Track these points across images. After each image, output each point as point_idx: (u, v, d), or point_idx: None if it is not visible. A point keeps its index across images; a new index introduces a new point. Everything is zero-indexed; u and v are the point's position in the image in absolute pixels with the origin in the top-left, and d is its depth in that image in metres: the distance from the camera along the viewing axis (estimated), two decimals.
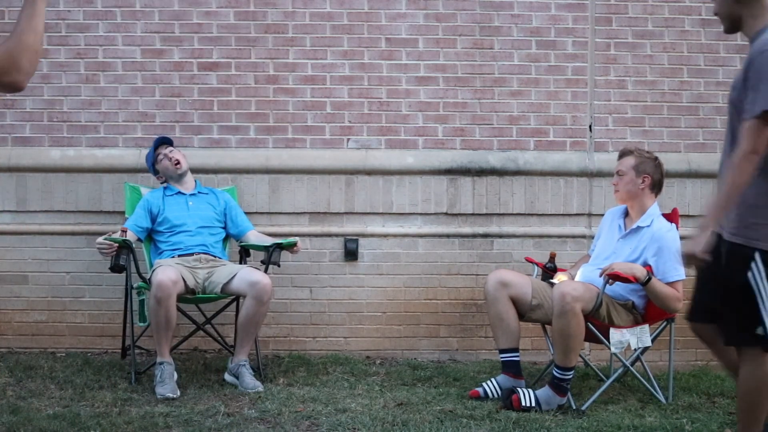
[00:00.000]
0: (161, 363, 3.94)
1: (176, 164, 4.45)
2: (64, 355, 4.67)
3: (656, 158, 4.05)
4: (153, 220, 4.38)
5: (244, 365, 4.06)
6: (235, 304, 4.33)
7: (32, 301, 4.76)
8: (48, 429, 3.27)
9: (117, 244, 4.02)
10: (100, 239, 4.04)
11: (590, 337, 3.87)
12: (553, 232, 4.88)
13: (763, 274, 2.69)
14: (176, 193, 4.47)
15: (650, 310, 4.00)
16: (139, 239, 4.35)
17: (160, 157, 4.48)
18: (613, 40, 4.91)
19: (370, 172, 4.84)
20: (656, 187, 4.04)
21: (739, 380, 2.84)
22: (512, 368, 3.95)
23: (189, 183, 4.51)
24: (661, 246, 3.88)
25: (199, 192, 4.52)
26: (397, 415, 3.55)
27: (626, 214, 4.12)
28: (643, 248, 3.93)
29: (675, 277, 3.84)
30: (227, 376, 4.14)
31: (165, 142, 4.56)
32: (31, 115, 4.80)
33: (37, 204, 4.75)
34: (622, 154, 4.08)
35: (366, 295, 4.84)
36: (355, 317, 4.84)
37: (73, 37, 4.78)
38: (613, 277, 3.77)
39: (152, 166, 4.52)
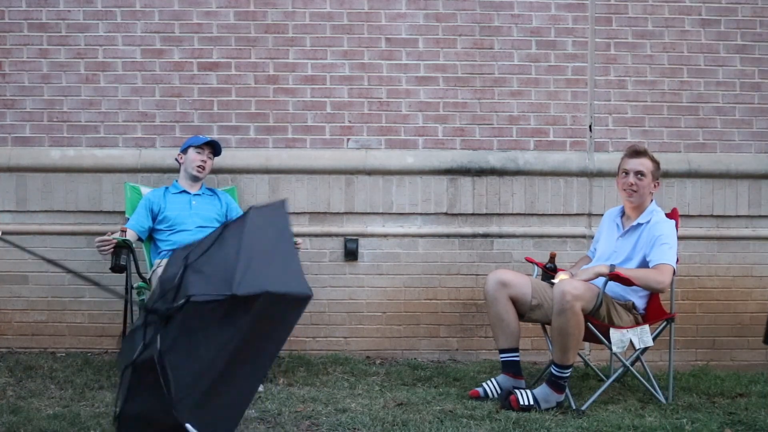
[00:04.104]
0: None
1: (199, 166, 4.44)
2: (64, 355, 4.67)
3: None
4: (154, 218, 4.39)
5: None
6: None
7: (32, 301, 4.77)
8: (48, 429, 3.27)
9: (114, 241, 4.02)
10: (98, 238, 4.04)
11: (590, 337, 3.87)
12: (553, 232, 4.88)
13: None
14: (181, 192, 4.48)
15: (650, 310, 4.00)
16: (140, 239, 4.35)
17: (195, 150, 4.47)
18: (613, 40, 4.91)
19: (370, 172, 4.84)
20: None
21: None
22: (512, 368, 3.95)
23: (197, 185, 4.52)
24: (653, 234, 3.89)
25: (203, 193, 4.52)
26: (397, 415, 3.55)
27: (623, 213, 4.12)
28: (642, 244, 3.93)
29: (661, 260, 3.82)
30: None
31: (214, 146, 4.54)
32: (31, 115, 4.80)
33: (37, 204, 4.75)
34: (638, 154, 4.00)
35: (366, 295, 4.84)
36: (355, 317, 4.84)
37: (73, 37, 4.78)
38: (614, 278, 3.77)
39: (184, 148, 4.52)
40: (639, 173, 3.96)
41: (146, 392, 2.64)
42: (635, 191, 3.97)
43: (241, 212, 4.56)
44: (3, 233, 2.56)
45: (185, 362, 2.55)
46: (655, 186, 4.01)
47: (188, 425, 2.55)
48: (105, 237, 4.03)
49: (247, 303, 2.48)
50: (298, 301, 2.65)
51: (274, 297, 2.51)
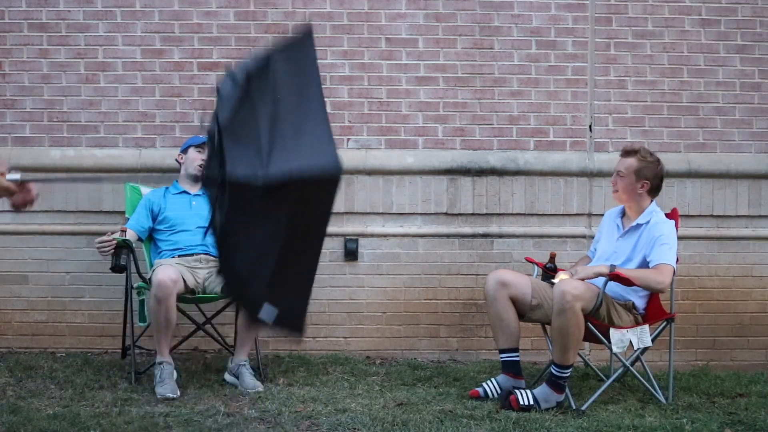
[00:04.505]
0: (161, 363, 3.94)
1: (200, 165, 4.41)
2: (64, 355, 4.67)
3: (659, 162, 4.03)
4: (154, 219, 4.39)
5: (244, 365, 4.07)
6: (235, 304, 4.32)
7: (32, 301, 4.77)
8: (48, 429, 3.27)
9: (115, 241, 4.02)
10: (98, 239, 4.04)
11: (590, 337, 3.87)
12: (553, 232, 4.88)
13: None
14: (181, 192, 4.48)
15: (650, 310, 4.00)
16: (140, 239, 4.35)
17: (196, 149, 4.46)
18: (613, 40, 4.91)
19: (370, 172, 4.84)
20: (654, 191, 4.04)
21: None
22: (512, 368, 3.95)
23: (197, 186, 4.51)
24: (652, 234, 3.90)
25: (203, 193, 4.52)
26: (397, 415, 3.55)
27: (623, 213, 4.12)
28: (642, 244, 3.93)
29: (661, 260, 3.83)
30: (227, 376, 4.15)
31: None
32: (31, 115, 4.80)
33: (37, 204, 4.72)
34: (626, 153, 4.03)
35: (366, 295, 4.84)
36: (355, 317, 4.84)
37: (73, 37, 4.78)
38: (614, 278, 3.77)
39: (185, 148, 4.52)
40: (618, 173, 4.02)
41: (226, 258, 2.66)
42: (616, 190, 4.04)
43: None
44: (22, 177, 2.57)
45: (244, 239, 2.56)
46: (642, 185, 3.99)
47: (266, 304, 2.59)
48: (105, 237, 4.03)
49: (279, 188, 2.47)
50: (329, 182, 2.60)
51: (302, 181, 2.49)
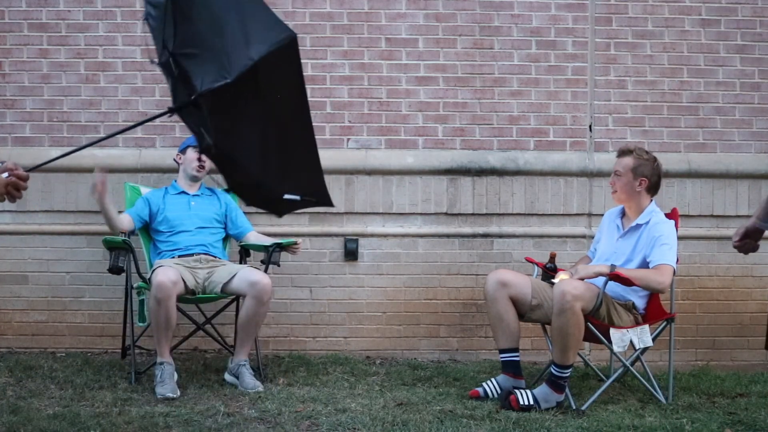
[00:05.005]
0: (161, 363, 3.94)
1: (199, 165, 4.41)
2: (64, 355, 4.67)
3: (655, 159, 4.04)
4: (152, 218, 4.38)
5: (244, 365, 4.07)
6: (235, 304, 4.33)
7: (32, 301, 4.77)
8: (48, 429, 3.27)
9: (105, 178, 4.03)
10: (92, 182, 4.03)
11: (590, 337, 3.87)
12: (553, 232, 4.88)
13: None
14: (180, 193, 4.47)
15: (650, 310, 4.01)
16: (133, 231, 4.34)
17: (194, 149, 4.45)
18: (613, 40, 4.91)
19: (370, 172, 4.84)
20: (653, 189, 4.05)
21: None
22: (512, 368, 3.95)
23: (196, 186, 4.51)
24: (652, 234, 3.90)
25: (202, 193, 4.52)
26: (397, 415, 3.55)
27: (623, 214, 4.12)
28: (642, 244, 3.93)
29: (661, 260, 3.84)
30: (227, 376, 4.15)
31: None
32: (31, 115, 4.80)
33: (37, 204, 4.75)
34: (621, 153, 4.07)
35: (366, 295, 4.84)
36: (355, 317, 4.84)
37: (73, 37, 4.78)
38: (614, 278, 3.77)
39: (183, 148, 4.52)
40: (616, 172, 4.05)
41: (234, 173, 2.73)
42: (614, 191, 4.06)
43: (241, 213, 4.56)
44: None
45: (240, 144, 2.62)
46: (640, 183, 4.00)
47: (287, 195, 2.71)
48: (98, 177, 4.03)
49: (248, 77, 2.52)
50: (289, 48, 2.66)
51: (265, 60, 2.55)
